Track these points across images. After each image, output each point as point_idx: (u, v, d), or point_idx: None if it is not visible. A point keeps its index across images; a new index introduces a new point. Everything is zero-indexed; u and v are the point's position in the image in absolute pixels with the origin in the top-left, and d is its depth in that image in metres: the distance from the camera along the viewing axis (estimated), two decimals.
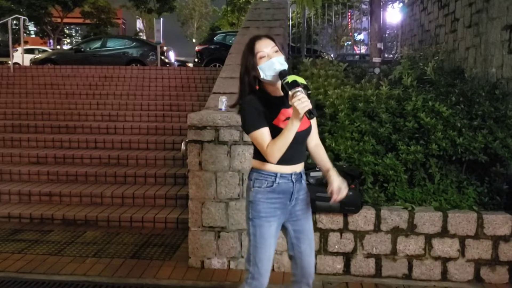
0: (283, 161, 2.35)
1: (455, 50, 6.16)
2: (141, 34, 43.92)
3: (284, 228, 2.57)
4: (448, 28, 6.56)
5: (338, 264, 3.92)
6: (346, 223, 3.90)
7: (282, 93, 2.29)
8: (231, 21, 38.28)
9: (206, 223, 4.01)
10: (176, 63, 18.63)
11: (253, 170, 2.49)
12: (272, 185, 2.43)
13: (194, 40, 48.66)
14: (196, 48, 16.36)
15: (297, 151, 2.42)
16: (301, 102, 2.11)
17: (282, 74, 2.26)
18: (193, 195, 4.00)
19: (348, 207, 3.84)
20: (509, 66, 4.52)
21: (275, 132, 2.30)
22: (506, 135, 3.98)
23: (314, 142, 2.60)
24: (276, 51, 2.37)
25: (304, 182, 2.55)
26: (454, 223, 3.79)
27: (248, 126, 2.34)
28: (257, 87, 2.41)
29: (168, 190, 5.68)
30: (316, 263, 3.92)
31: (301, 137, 2.39)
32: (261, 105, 2.33)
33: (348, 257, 3.91)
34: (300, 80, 2.21)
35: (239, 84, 2.44)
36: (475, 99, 4.20)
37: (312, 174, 3.95)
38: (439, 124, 3.99)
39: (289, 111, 2.31)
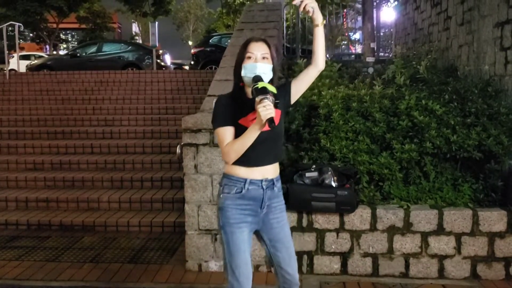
0: (250, 163, 2.37)
1: (448, 48, 6.18)
2: (137, 38, 43.91)
3: (259, 238, 2.55)
4: (441, 26, 6.58)
5: (335, 264, 3.93)
6: (342, 222, 3.91)
7: None
8: (227, 23, 38.32)
9: (203, 226, 4.02)
10: (172, 66, 18.64)
11: (223, 175, 2.49)
12: (241, 191, 2.39)
13: (190, 43, 48.68)
14: (192, 50, 16.36)
15: (265, 153, 2.39)
16: (265, 109, 2.12)
17: (254, 79, 2.28)
18: (189, 199, 4.00)
19: (344, 206, 3.85)
20: (501, 63, 4.53)
21: (241, 131, 2.30)
22: (500, 132, 4.00)
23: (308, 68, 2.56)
24: (265, 58, 2.39)
25: (277, 190, 2.49)
26: (449, 221, 3.80)
27: (213, 123, 2.40)
28: (242, 84, 2.45)
29: (165, 194, 5.69)
30: (313, 264, 3.94)
31: (267, 137, 2.34)
32: (234, 103, 2.38)
33: (345, 256, 3.92)
34: (271, 88, 2.21)
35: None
36: (468, 96, 4.22)
37: (307, 174, 3.96)
38: (433, 122, 4.00)
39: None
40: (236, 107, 2.37)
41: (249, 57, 2.39)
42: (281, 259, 2.52)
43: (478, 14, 5.18)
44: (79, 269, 4.17)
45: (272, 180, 2.44)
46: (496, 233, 3.79)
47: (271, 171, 2.45)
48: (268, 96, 2.16)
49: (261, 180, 2.40)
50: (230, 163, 2.37)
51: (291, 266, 2.53)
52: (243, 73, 2.39)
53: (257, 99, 2.17)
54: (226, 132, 2.34)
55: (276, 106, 2.19)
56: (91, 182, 6.12)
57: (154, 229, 5.18)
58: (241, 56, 2.42)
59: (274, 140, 2.42)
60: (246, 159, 2.36)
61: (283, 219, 2.52)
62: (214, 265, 4.04)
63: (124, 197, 5.66)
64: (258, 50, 2.39)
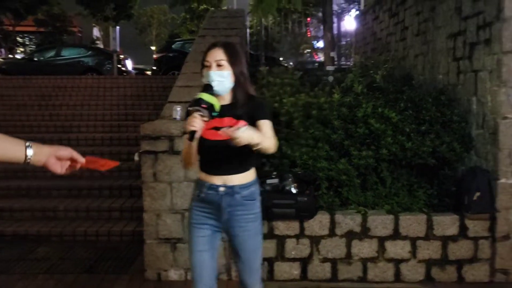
0: (210, 169, 2.41)
1: (405, 58, 6.36)
2: (98, 42, 43.06)
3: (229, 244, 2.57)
4: (398, 36, 6.77)
5: (295, 270, 3.95)
6: (302, 228, 3.95)
7: (227, 102, 2.38)
8: (191, 29, 38.13)
9: (162, 235, 3.97)
10: (133, 72, 18.39)
11: (197, 178, 2.55)
12: (202, 194, 2.44)
13: (153, 48, 48.17)
14: (154, 56, 16.22)
15: (225, 162, 2.38)
16: (190, 122, 2.12)
17: (204, 88, 2.26)
18: (147, 207, 3.95)
19: (303, 212, 3.90)
20: (454, 73, 4.70)
21: (200, 139, 2.29)
22: (453, 139, 4.14)
23: None
24: (220, 66, 2.35)
25: (241, 198, 2.40)
26: (405, 225, 3.90)
27: None
28: None
29: (123, 202, 5.59)
30: (273, 270, 3.96)
31: (218, 147, 2.30)
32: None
33: (304, 262, 3.96)
34: (208, 98, 2.17)
35: None
36: (422, 105, 4.35)
37: (268, 181, 3.99)
38: (389, 129, 4.11)
39: (222, 120, 2.32)
40: None
41: (206, 65, 2.38)
42: (241, 269, 2.52)
43: (433, 25, 5.36)
44: (33, 281, 4.04)
45: (232, 187, 2.39)
46: (449, 237, 3.91)
47: (235, 179, 2.40)
48: (199, 108, 2.14)
49: (219, 186, 2.39)
50: (187, 170, 2.39)
51: (250, 278, 2.51)
52: (203, 80, 2.38)
53: (190, 109, 2.17)
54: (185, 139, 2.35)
55: (211, 117, 2.17)
56: (47, 190, 5.95)
57: (112, 238, 5.08)
58: (202, 64, 2.43)
59: (233, 151, 2.27)
60: (207, 166, 2.42)
61: (250, 230, 2.44)
62: (173, 274, 4.00)
63: (82, 206, 5.53)
64: (213, 57, 2.37)
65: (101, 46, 37.74)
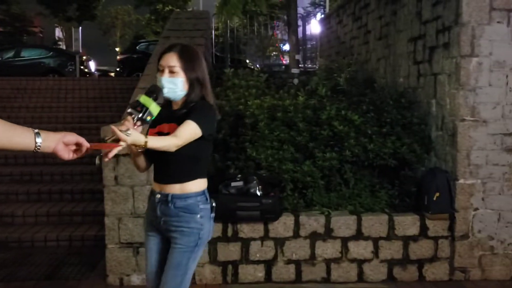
0: (154, 175, 2.41)
1: (368, 61, 6.48)
2: (60, 43, 42.07)
3: None
4: (361, 40, 6.89)
5: (259, 272, 3.95)
6: (266, 231, 3.95)
7: (178, 107, 2.33)
8: (156, 30, 37.72)
9: (124, 239, 3.90)
10: (96, 73, 18.06)
11: None
12: (149, 199, 2.44)
13: (117, 49, 47.40)
14: (118, 57, 15.99)
15: (162, 169, 2.33)
16: (121, 125, 2.03)
17: (150, 90, 2.17)
18: (109, 211, 3.87)
19: (268, 214, 3.90)
20: (415, 76, 4.82)
21: None
22: (413, 141, 4.24)
23: None
24: (172, 72, 2.26)
25: (175, 209, 2.28)
26: (367, 226, 3.96)
27: None
28: None
29: (86, 207, 5.47)
30: (238, 273, 3.95)
31: (170, 158, 2.23)
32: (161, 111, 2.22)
33: (269, 264, 3.96)
34: (146, 102, 2.08)
35: None
36: (384, 107, 4.43)
37: (233, 184, 3.98)
38: (352, 131, 4.17)
39: (166, 126, 2.29)
40: (158, 116, 2.21)
41: (159, 70, 2.30)
42: (162, 279, 2.34)
43: (394, 29, 5.48)
44: None
45: (167, 195, 2.30)
46: (410, 236, 3.99)
47: (172, 188, 2.30)
48: (133, 111, 2.07)
49: (157, 193, 2.35)
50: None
51: None
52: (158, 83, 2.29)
53: (128, 110, 2.10)
54: None
55: (145, 122, 2.10)
56: (5, 195, 5.74)
57: (73, 243, 4.95)
58: (157, 66, 2.34)
59: (173, 159, 2.23)
60: (154, 172, 2.41)
61: (179, 243, 2.29)
62: (136, 279, 3.93)
63: (42, 211, 5.37)
64: (167, 62, 2.27)
65: (63, 47, 36.91)
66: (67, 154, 1.71)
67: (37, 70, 13.51)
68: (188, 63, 2.29)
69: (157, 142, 2.11)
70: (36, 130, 1.63)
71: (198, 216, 2.30)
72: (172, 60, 2.27)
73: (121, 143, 1.90)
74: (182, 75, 2.28)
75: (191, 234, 2.29)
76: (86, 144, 1.73)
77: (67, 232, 5.03)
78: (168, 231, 2.34)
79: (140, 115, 2.07)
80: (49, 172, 6.17)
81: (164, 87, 2.24)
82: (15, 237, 4.94)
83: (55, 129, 7.51)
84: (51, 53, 14.90)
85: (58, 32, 44.96)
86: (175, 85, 2.26)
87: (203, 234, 2.33)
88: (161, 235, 2.41)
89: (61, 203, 5.62)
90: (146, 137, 2.05)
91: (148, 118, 2.09)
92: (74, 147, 1.72)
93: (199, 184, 2.34)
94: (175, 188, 2.30)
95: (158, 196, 2.33)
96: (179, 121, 2.23)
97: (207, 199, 2.36)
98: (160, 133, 2.31)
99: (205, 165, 2.42)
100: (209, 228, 2.37)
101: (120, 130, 1.91)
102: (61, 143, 1.67)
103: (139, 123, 2.08)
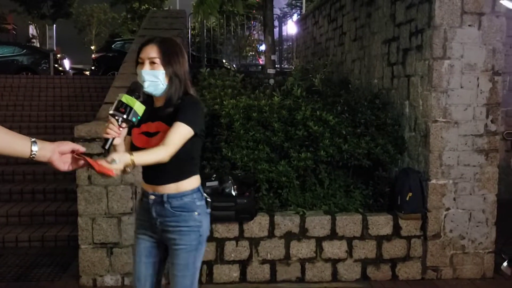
0: (144, 176, 2.31)
1: (343, 62, 6.54)
2: (34, 41, 41.26)
3: None
4: (336, 41, 6.95)
5: (234, 272, 3.95)
6: (241, 231, 3.95)
7: (161, 103, 2.24)
8: (132, 29, 37.33)
9: (98, 240, 3.85)
10: (71, 71, 17.79)
11: None
12: (141, 200, 2.37)
13: (92, 48, 46.72)
14: (93, 55, 15.78)
15: (151, 170, 2.19)
16: (106, 128, 1.99)
17: (131, 87, 2.08)
18: (82, 211, 3.82)
19: (243, 214, 3.90)
20: (388, 77, 4.89)
21: (131, 144, 2.23)
22: (386, 142, 4.30)
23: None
24: (153, 63, 2.18)
25: (172, 208, 2.23)
26: (342, 226, 4.00)
27: None
28: None
29: (59, 207, 5.38)
30: (212, 273, 3.93)
31: None
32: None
33: (244, 264, 3.97)
34: (129, 101, 1.99)
35: None
36: (358, 108, 4.48)
37: (208, 184, 3.96)
38: (326, 132, 4.20)
39: (153, 125, 2.23)
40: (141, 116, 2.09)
41: (139, 63, 2.21)
42: (171, 283, 2.32)
43: (369, 31, 5.54)
44: None
45: (161, 195, 2.24)
46: (383, 236, 4.05)
47: (166, 188, 2.24)
48: (117, 113, 1.97)
49: (150, 194, 2.28)
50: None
51: None
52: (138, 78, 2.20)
53: (110, 111, 2.00)
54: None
55: (131, 123, 2.02)
56: None
57: (46, 244, 4.87)
58: (136, 60, 2.25)
59: (170, 162, 2.13)
60: (143, 174, 2.32)
61: (180, 244, 2.24)
62: (110, 280, 3.88)
63: (13, 211, 5.26)
64: (147, 53, 2.18)
65: (37, 45, 36.21)
66: (62, 165, 1.69)
67: (10, 67, 13.24)
68: (168, 56, 2.21)
69: (147, 158, 2.04)
70: (33, 139, 1.63)
71: (196, 213, 2.26)
72: (152, 51, 2.18)
73: (114, 170, 1.82)
74: (161, 68, 2.19)
75: (191, 232, 2.25)
76: (82, 149, 1.74)
77: (40, 232, 4.94)
78: (166, 232, 2.27)
79: (125, 116, 1.97)
80: (20, 172, 6.05)
81: (145, 80, 2.15)
82: None
83: (27, 128, 7.38)
84: (25, 50, 14.65)
85: (32, 30, 44.09)
86: (156, 78, 2.17)
87: (203, 231, 2.30)
88: (153, 238, 2.33)
89: (33, 203, 5.52)
90: (131, 154, 1.96)
91: (134, 118, 2.00)
92: (69, 156, 1.71)
93: (194, 181, 2.30)
94: (171, 188, 2.24)
95: (152, 197, 2.25)
96: (167, 120, 2.16)
97: (202, 195, 2.32)
98: (148, 133, 2.21)
99: (198, 161, 2.37)
100: (207, 224, 2.34)
101: (106, 161, 1.81)
102: (57, 153, 1.66)
103: (124, 125, 1.99)
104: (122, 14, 39.99)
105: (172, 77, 2.20)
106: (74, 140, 3.81)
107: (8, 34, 37.41)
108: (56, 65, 14.32)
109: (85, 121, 7.54)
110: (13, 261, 4.47)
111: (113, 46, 15.52)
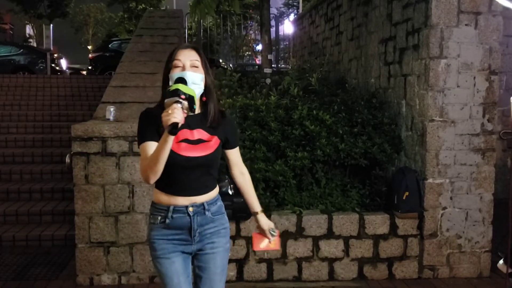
0: (175, 190, 2.12)
1: (340, 62, 6.55)
2: (30, 40, 41.17)
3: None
4: (333, 41, 6.96)
5: (231, 272, 3.95)
6: (238, 230, 3.96)
7: (200, 111, 2.14)
8: (129, 28, 37.29)
9: (94, 239, 3.84)
10: (68, 71, 17.77)
11: (152, 203, 2.24)
12: (165, 221, 2.13)
13: (89, 47, 46.64)
14: (90, 55, 15.76)
15: (194, 181, 2.13)
16: (168, 114, 1.84)
17: (177, 81, 2.00)
18: (79, 210, 3.81)
19: (240, 213, 3.89)
20: (385, 77, 4.90)
21: (171, 153, 2.01)
22: (383, 141, 4.31)
23: (237, 170, 2.35)
24: (195, 66, 2.09)
25: (211, 214, 2.18)
26: (338, 225, 4.01)
27: (138, 138, 2.12)
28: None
29: (55, 206, 5.37)
30: None
31: (192, 163, 2.09)
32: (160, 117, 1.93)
33: (240, 263, 3.97)
34: (187, 90, 1.91)
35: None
36: (355, 107, 4.49)
37: None
38: (323, 131, 4.21)
39: (191, 132, 2.10)
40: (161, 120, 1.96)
41: (176, 66, 2.09)
42: None
43: (366, 30, 5.55)
44: None
45: (201, 204, 2.15)
46: (380, 235, 4.06)
47: (204, 196, 2.17)
48: (178, 99, 1.87)
49: (187, 206, 2.13)
50: (148, 182, 2.04)
51: None
52: (170, 83, 2.05)
53: (167, 101, 1.90)
54: (147, 148, 2.03)
55: (191, 110, 1.91)
56: None
57: (43, 243, 4.86)
58: (168, 66, 2.13)
59: (206, 168, 2.12)
60: (170, 186, 2.12)
61: (219, 246, 2.21)
62: (106, 278, 3.88)
63: (10, 210, 5.26)
64: (187, 56, 2.09)
65: (34, 44, 36.11)
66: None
67: (6, 67, 13.21)
68: (206, 63, 2.16)
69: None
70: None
71: (226, 215, 2.30)
72: (192, 54, 2.11)
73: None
74: (202, 72, 2.12)
75: (226, 234, 2.28)
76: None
77: (37, 231, 4.94)
78: (204, 239, 2.19)
79: (184, 103, 1.88)
80: (18, 171, 6.04)
81: (189, 82, 2.02)
82: None
83: (24, 127, 7.37)
84: (21, 50, 14.59)
85: (28, 29, 43.99)
86: (199, 81, 2.08)
87: (229, 231, 2.34)
88: (185, 253, 2.20)
89: (31, 202, 5.52)
90: (257, 212, 2.44)
91: (195, 106, 1.94)
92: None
93: (217, 185, 2.30)
94: (208, 196, 2.19)
95: (192, 209, 2.13)
96: (209, 129, 2.13)
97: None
98: (188, 140, 2.10)
99: None
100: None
101: (175, 118, 1.81)
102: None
103: (186, 111, 1.90)
104: (119, 13, 39.96)
105: (209, 85, 2.16)
106: (71, 139, 3.81)
107: (5, 33, 37.34)
108: (53, 65, 14.30)
109: (82, 120, 7.54)
110: (10, 260, 4.46)
111: (110, 45, 15.50)
